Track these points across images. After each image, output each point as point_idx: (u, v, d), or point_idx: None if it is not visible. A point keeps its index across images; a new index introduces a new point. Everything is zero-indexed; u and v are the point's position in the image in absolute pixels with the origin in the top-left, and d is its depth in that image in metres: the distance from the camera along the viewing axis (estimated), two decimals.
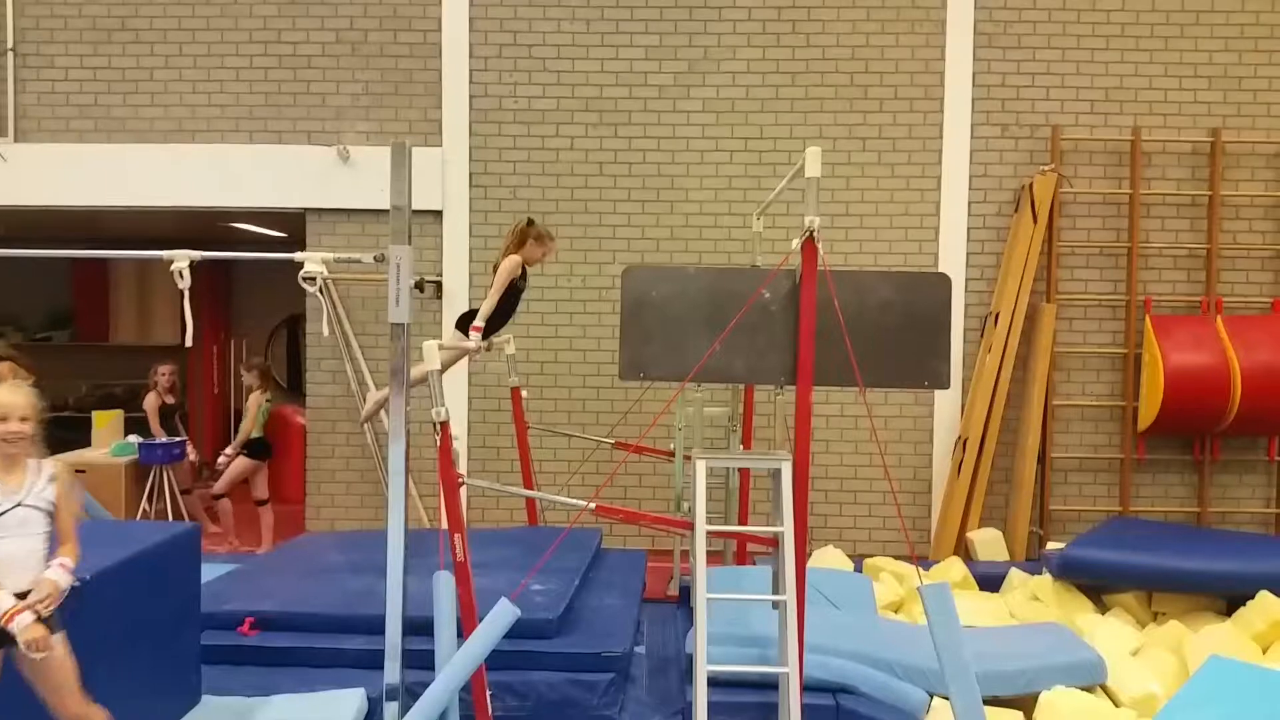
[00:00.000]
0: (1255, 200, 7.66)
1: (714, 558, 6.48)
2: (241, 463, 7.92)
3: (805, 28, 7.67)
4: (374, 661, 4.08)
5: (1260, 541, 6.77)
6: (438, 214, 7.71)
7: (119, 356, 11.48)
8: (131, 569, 3.57)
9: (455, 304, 7.72)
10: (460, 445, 7.52)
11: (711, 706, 3.95)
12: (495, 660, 3.98)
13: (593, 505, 4.31)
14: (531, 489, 6.73)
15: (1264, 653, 5.22)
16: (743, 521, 6.49)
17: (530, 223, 5.38)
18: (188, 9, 7.81)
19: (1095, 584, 6.10)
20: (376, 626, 4.04)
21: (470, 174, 7.75)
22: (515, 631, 3.82)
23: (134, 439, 8.50)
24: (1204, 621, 5.59)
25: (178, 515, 8.17)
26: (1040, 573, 6.29)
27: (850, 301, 4.13)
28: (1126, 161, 7.62)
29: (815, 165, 4.03)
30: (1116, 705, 4.73)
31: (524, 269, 5.36)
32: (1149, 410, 7.30)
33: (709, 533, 4.18)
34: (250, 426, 7.92)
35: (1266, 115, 7.65)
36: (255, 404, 7.95)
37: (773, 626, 4.35)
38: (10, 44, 7.84)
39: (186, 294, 3.91)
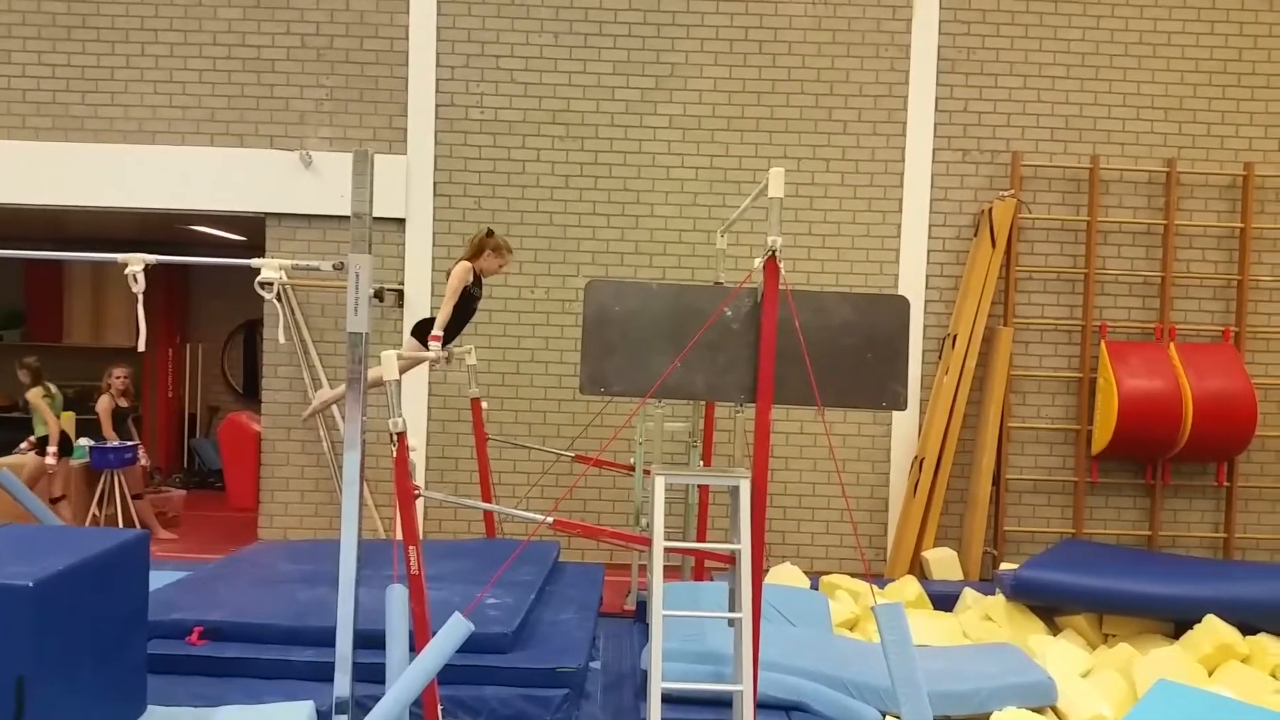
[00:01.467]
0: (1208, 230, 7.82)
1: (672, 572, 6.48)
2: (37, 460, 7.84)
3: (772, 48, 7.73)
4: (324, 674, 4.02)
5: (1208, 565, 6.88)
6: (401, 222, 7.66)
7: (72, 358, 11.28)
8: (77, 576, 3.49)
9: (417, 313, 7.66)
10: (419, 455, 7.48)
11: None
12: (448, 674, 3.95)
13: (550, 519, 4.29)
14: (490, 501, 6.69)
15: (1210, 675, 5.30)
16: (701, 537, 6.49)
17: (490, 233, 5.41)
18: (150, 8, 7.71)
19: (1047, 605, 6.16)
20: (327, 638, 3.98)
21: (435, 183, 7.72)
22: (469, 645, 3.78)
23: (85, 442, 8.35)
24: (1153, 644, 5.67)
25: (129, 521, 8.04)
26: (994, 593, 6.35)
27: (811, 321, 4.15)
28: (1085, 189, 7.75)
29: (778, 186, 4.05)
30: None
31: (478, 277, 5.37)
32: (1103, 434, 7.41)
33: (667, 549, 4.18)
34: (55, 424, 7.82)
35: (1220, 148, 7.82)
36: (38, 400, 7.91)
37: (729, 643, 4.35)
38: None
39: (140, 298, 3.85)
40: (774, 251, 4.02)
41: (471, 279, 5.32)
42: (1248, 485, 7.82)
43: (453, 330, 5.31)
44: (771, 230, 4.03)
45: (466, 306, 5.37)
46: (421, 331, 5.34)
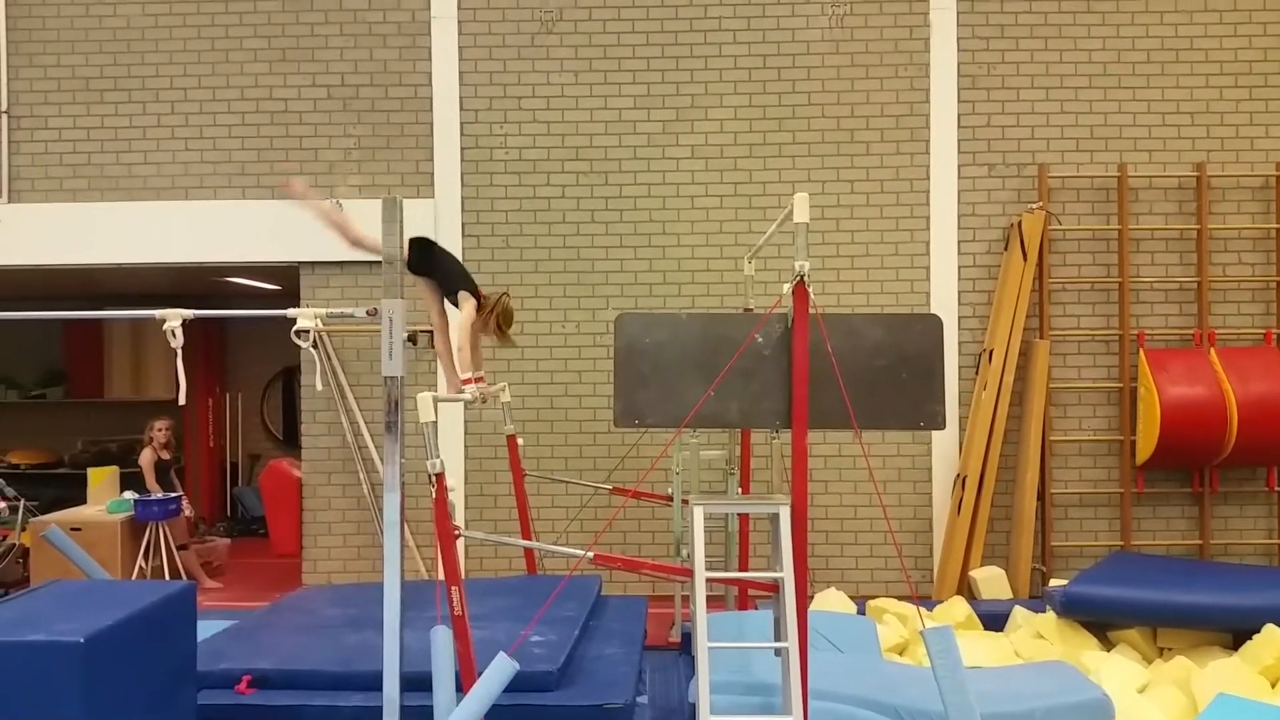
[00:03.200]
0: (1242, 233, 7.72)
1: (716, 602, 6.44)
2: None
3: (790, 74, 7.77)
4: (373, 718, 4.03)
5: (1264, 573, 6.74)
6: None
7: (114, 412, 11.46)
8: (126, 630, 3.53)
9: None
10: (457, 494, 7.52)
11: None
12: (496, 715, 3.93)
13: (591, 554, 4.28)
14: (529, 537, 6.70)
15: (1273, 687, 5.17)
16: (743, 564, 6.46)
17: (504, 298, 4.98)
18: (179, 68, 7.90)
19: (1099, 620, 6.05)
20: (374, 683, 4.00)
21: (463, 224, 7.80)
22: (515, 685, 3.77)
23: (130, 495, 8.45)
24: (1211, 656, 5.55)
25: (174, 571, 8.11)
26: (1044, 610, 6.24)
27: (843, 344, 4.14)
28: (1114, 198, 7.69)
29: (804, 211, 4.06)
30: None
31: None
32: (1146, 444, 7.30)
33: (709, 579, 4.16)
34: None
35: (1250, 149, 7.73)
36: None
37: (777, 672, 4.31)
38: (4, 105, 7.92)
39: (180, 352, 3.91)
40: (802, 276, 4.02)
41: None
42: None
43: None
44: (799, 255, 4.03)
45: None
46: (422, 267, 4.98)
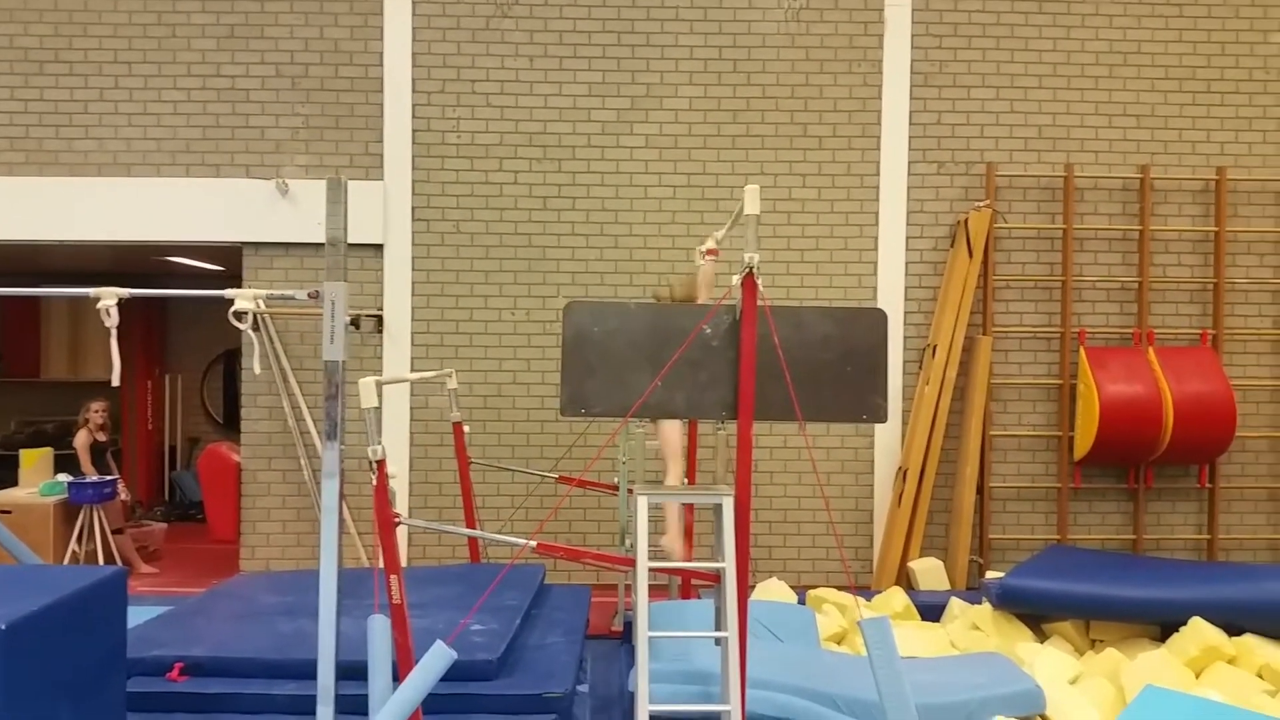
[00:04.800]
0: (1183, 235, 7.89)
1: (660, 590, 6.45)
2: None
3: (746, 66, 7.77)
4: (307, 707, 3.96)
5: (1193, 568, 6.90)
6: (379, 247, 7.65)
7: (50, 392, 11.20)
8: (51, 617, 3.43)
9: (397, 339, 7.66)
10: (401, 481, 7.45)
11: None
12: (433, 704, 3.90)
13: (534, 543, 4.27)
14: (474, 525, 6.66)
15: (1197, 677, 5.31)
16: (688, 554, 6.46)
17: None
18: (124, 41, 7.70)
19: (1034, 612, 6.15)
20: (309, 671, 3.93)
21: (413, 207, 7.71)
22: (455, 674, 3.75)
23: (64, 478, 8.27)
24: (1141, 648, 5.68)
25: (109, 556, 7.95)
26: (980, 602, 6.34)
27: (790, 337, 4.15)
28: (1059, 197, 7.81)
29: (754, 203, 4.06)
30: None
31: None
32: (1084, 440, 7.44)
33: (651, 569, 4.16)
34: None
35: (1191, 153, 7.90)
36: None
37: (717, 661, 4.33)
38: None
39: (114, 332, 3.82)
40: (751, 268, 4.02)
41: None
42: (1229, 486, 7.86)
43: None
44: (748, 246, 4.03)
45: None
46: None
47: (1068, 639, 6.02)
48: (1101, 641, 5.95)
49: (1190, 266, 7.90)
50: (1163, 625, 5.85)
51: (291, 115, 7.75)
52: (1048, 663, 5.39)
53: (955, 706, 4.70)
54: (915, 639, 5.95)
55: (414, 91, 7.72)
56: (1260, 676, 5.28)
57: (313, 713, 3.85)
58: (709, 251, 5.49)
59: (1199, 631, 5.44)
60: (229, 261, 8.36)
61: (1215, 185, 7.82)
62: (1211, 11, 7.88)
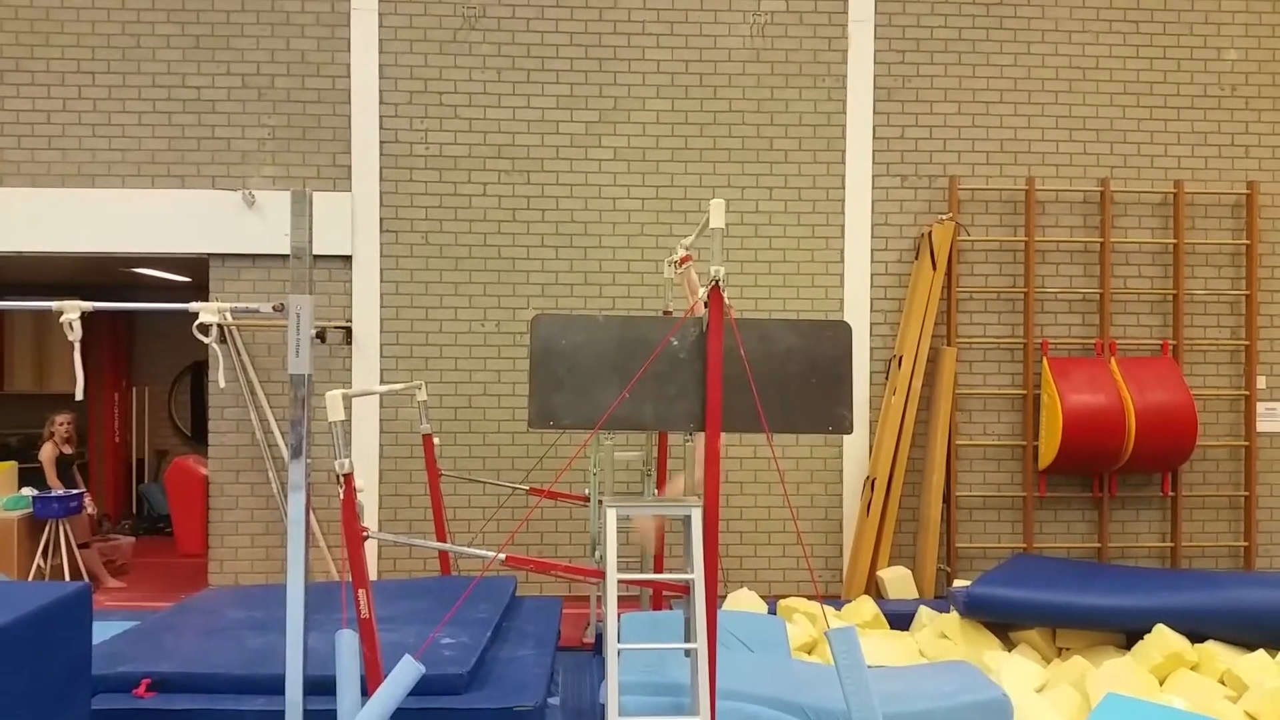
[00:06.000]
0: (1143, 246, 8.03)
1: (631, 602, 6.47)
2: None
3: (712, 81, 7.84)
4: None
5: (1157, 575, 7.00)
6: (347, 259, 7.62)
7: (14, 405, 11.04)
8: (13, 633, 3.40)
9: (365, 351, 7.64)
10: (371, 494, 7.42)
11: None
12: (402, 718, 3.89)
13: (503, 556, 4.27)
14: (444, 538, 6.65)
15: (1161, 684, 5.38)
16: (659, 566, 6.49)
17: None
18: (87, 51, 7.64)
19: (1001, 621, 6.22)
20: (278, 686, 3.92)
21: (380, 219, 7.70)
22: (425, 688, 3.75)
23: (29, 492, 8.16)
24: (1106, 655, 5.76)
25: (75, 571, 7.85)
26: (948, 610, 6.40)
27: (756, 349, 4.19)
28: (1021, 210, 7.92)
29: (720, 216, 4.10)
30: None
31: None
32: (1049, 449, 7.54)
33: (621, 581, 4.17)
34: None
35: (1150, 166, 8.04)
36: None
37: (688, 673, 4.35)
38: None
39: (78, 346, 3.79)
40: (717, 280, 4.06)
41: None
42: (1191, 495, 7.99)
43: None
44: (714, 259, 4.07)
45: None
46: None
47: (1034, 647, 6.09)
48: (1068, 649, 6.03)
49: (1150, 278, 8.04)
50: (1127, 633, 5.93)
51: (258, 126, 7.72)
52: (1014, 671, 5.46)
53: (924, 714, 4.73)
54: (884, 647, 6.00)
55: (381, 103, 7.72)
56: (1222, 682, 5.37)
57: None
58: (682, 260, 5.51)
59: (1163, 638, 5.52)
60: (196, 273, 8.30)
61: (1174, 198, 7.97)
62: (1166, 28, 8.04)
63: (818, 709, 4.64)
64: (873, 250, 7.88)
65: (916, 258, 7.80)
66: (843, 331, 4.36)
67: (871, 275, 7.88)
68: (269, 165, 7.70)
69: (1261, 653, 5.45)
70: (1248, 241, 8.00)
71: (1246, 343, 8.00)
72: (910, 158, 7.92)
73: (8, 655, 3.36)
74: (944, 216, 7.71)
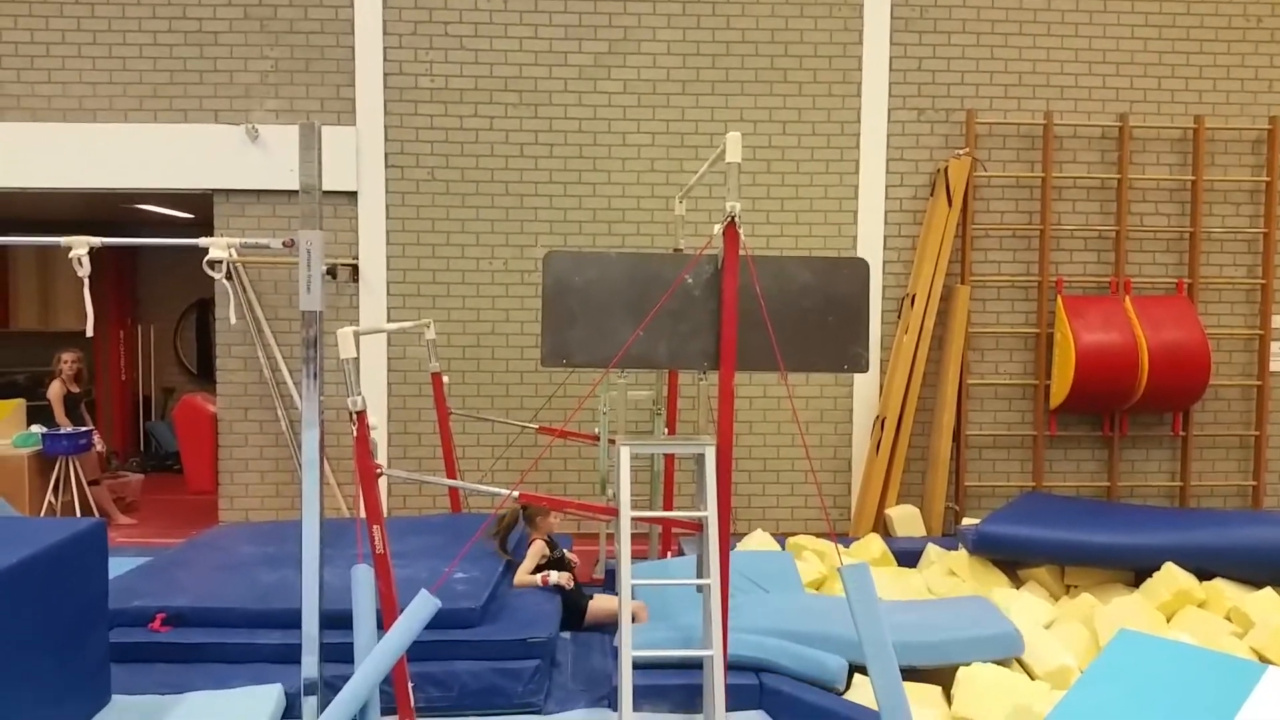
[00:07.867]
0: (1161, 184, 7.90)
1: (639, 541, 6.49)
2: None
3: (725, 10, 7.65)
4: (291, 656, 3.98)
5: (1166, 514, 6.99)
6: (353, 195, 7.53)
7: (20, 343, 11.02)
8: (32, 569, 3.41)
9: (372, 287, 7.58)
10: (380, 432, 7.42)
11: (637, 690, 3.95)
12: (417, 651, 3.92)
13: (516, 493, 4.26)
14: (454, 476, 6.66)
15: (1168, 621, 5.41)
16: (668, 505, 6.50)
17: (524, 508, 5.44)
18: None
19: (1010, 558, 6.24)
20: (293, 620, 3.94)
21: (386, 154, 7.58)
22: (438, 621, 3.76)
23: (38, 429, 8.18)
24: (1114, 593, 5.78)
25: (85, 508, 7.90)
26: (957, 548, 6.42)
27: (771, 286, 4.14)
28: (1039, 145, 7.78)
29: (736, 151, 4.01)
30: (1032, 678, 4.85)
31: (551, 539, 5.58)
32: (1060, 388, 7.50)
33: (634, 518, 4.17)
34: None
35: (1170, 101, 7.88)
36: None
37: (697, 612, 4.37)
38: None
39: (87, 282, 3.74)
40: (733, 217, 3.99)
41: (547, 548, 5.47)
42: (1202, 434, 7.97)
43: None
44: (730, 195, 4.00)
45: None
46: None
47: (1043, 584, 6.11)
48: (1076, 587, 6.05)
49: (1167, 215, 7.92)
50: (1136, 570, 5.94)
51: (260, 59, 7.57)
52: (1023, 608, 5.48)
53: (935, 646, 4.78)
54: (892, 585, 6.02)
55: (385, 34, 7.55)
56: (1229, 619, 5.40)
57: (297, 661, 3.87)
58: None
59: (1171, 576, 5.54)
60: (200, 209, 8.21)
61: (1193, 134, 7.82)
62: None
63: (826, 636, 4.67)
64: (887, 186, 7.76)
65: (932, 194, 7.69)
66: (860, 269, 4.30)
67: (886, 212, 7.77)
68: (272, 99, 7.57)
69: (1268, 590, 5.46)
70: (1268, 178, 7.86)
71: (1263, 281, 7.92)
72: (927, 90, 7.76)
73: (28, 589, 3.37)
74: (961, 151, 7.57)
